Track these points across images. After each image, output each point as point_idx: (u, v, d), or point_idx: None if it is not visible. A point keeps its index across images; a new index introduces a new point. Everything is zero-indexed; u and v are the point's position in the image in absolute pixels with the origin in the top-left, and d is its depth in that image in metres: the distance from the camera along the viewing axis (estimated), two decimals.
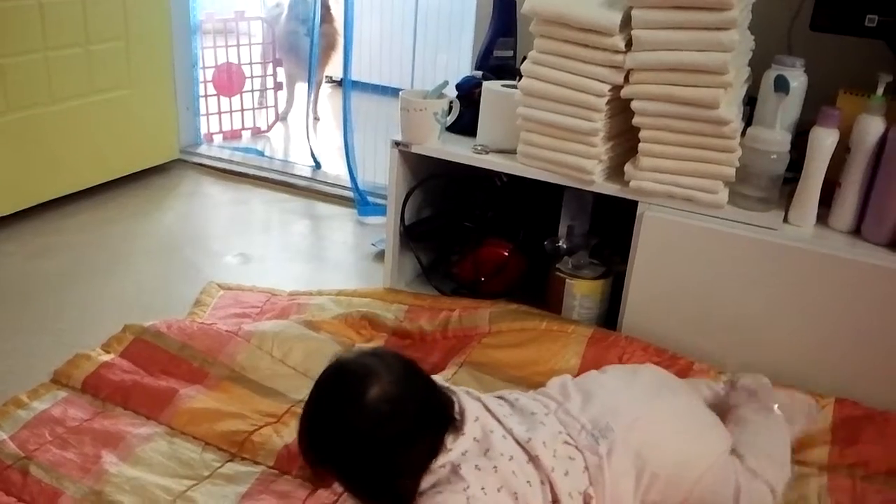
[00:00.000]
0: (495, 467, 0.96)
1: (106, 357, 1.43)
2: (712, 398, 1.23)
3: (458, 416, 1.00)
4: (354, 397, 0.95)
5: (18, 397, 1.33)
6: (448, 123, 1.65)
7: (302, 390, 1.37)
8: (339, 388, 0.98)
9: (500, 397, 1.09)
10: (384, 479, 0.97)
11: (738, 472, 1.08)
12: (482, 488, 0.94)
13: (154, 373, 1.41)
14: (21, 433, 1.24)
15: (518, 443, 1.00)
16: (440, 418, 0.99)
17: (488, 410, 1.03)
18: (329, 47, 3.05)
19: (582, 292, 1.58)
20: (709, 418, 1.14)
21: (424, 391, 1.00)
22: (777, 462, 1.12)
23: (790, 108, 1.45)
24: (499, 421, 1.02)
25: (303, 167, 2.65)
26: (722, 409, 1.21)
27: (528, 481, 0.97)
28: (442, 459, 0.96)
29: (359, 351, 1.04)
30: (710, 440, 1.10)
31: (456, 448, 0.97)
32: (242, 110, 3.00)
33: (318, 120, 3.28)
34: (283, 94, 3.22)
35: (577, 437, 1.02)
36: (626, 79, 1.38)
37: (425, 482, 0.96)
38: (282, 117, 3.22)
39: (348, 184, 2.35)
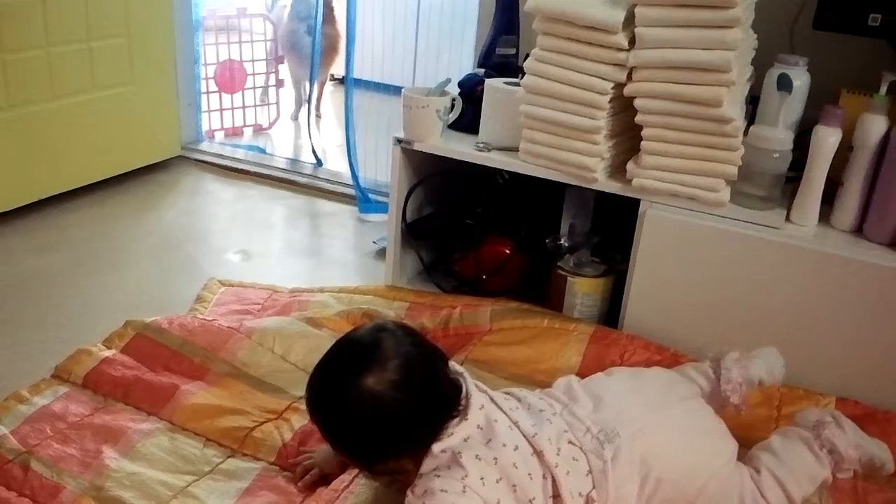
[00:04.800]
0: (495, 458, 0.96)
1: (107, 353, 1.43)
2: (706, 385, 1.22)
3: (462, 402, 1.00)
4: (354, 380, 0.95)
5: (19, 392, 1.33)
6: (450, 121, 1.64)
7: (303, 387, 1.35)
8: (340, 366, 0.99)
9: (507, 393, 1.09)
10: (373, 457, 0.99)
11: (744, 482, 1.07)
12: (481, 478, 0.94)
13: (155, 369, 1.41)
14: (22, 428, 1.24)
15: (524, 435, 1.00)
16: (442, 407, 0.99)
17: (494, 403, 1.03)
18: (331, 49, 3.03)
19: (583, 290, 1.58)
20: (715, 425, 1.13)
21: (430, 378, 0.99)
22: (796, 476, 1.10)
23: (793, 106, 1.45)
24: (505, 413, 1.02)
25: (305, 164, 2.65)
26: (715, 393, 1.20)
27: (529, 473, 0.97)
28: (443, 444, 0.96)
29: (370, 326, 1.04)
30: (715, 448, 1.09)
31: (458, 433, 0.97)
32: (244, 107, 3.01)
33: (320, 117, 3.28)
34: (291, 95, 3.21)
35: (583, 439, 1.02)
36: (629, 76, 1.38)
37: (426, 465, 0.96)
38: (292, 117, 3.21)
39: (350, 181, 2.35)
